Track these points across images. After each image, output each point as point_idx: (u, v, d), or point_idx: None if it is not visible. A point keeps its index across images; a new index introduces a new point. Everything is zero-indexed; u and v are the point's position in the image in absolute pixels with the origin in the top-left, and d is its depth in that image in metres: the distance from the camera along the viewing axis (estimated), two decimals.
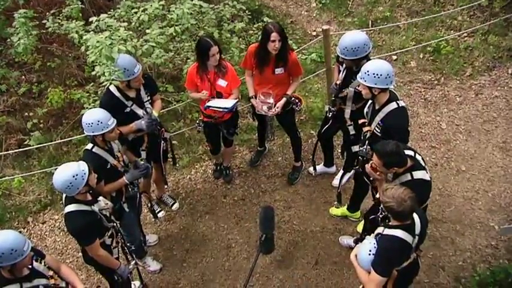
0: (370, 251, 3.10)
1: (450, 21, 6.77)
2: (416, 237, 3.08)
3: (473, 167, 5.20)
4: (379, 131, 3.73)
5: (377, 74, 3.51)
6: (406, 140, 3.76)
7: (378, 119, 3.72)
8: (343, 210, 4.80)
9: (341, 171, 4.89)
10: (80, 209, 3.39)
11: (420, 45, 6.47)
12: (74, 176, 3.28)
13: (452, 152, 5.38)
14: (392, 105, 3.65)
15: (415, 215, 3.08)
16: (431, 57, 6.46)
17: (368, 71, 3.53)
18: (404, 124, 3.71)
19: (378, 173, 3.36)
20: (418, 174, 3.32)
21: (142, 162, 4.12)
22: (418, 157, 3.43)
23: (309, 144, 5.56)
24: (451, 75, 6.25)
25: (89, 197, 3.49)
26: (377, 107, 3.72)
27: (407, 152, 3.36)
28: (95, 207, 3.47)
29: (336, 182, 5.05)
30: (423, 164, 3.41)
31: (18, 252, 2.91)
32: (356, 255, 3.21)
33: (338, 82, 4.32)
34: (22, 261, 2.95)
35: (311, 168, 5.17)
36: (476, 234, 4.61)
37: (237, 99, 4.56)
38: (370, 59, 4.06)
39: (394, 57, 6.50)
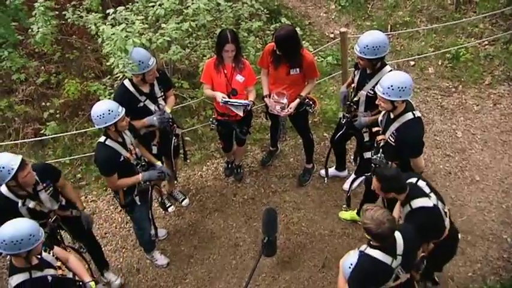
0: (351, 264, 3.08)
1: (471, 29, 6.66)
2: (399, 257, 3.02)
3: (487, 178, 5.11)
4: (393, 140, 3.69)
5: (402, 88, 3.47)
6: (420, 151, 3.72)
7: (392, 128, 3.68)
8: (352, 214, 4.76)
9: (352, 176, 4.85)
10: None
11: (439, 51, 6.39)
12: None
13: (467, 161, 5.29)
14: (408, 116, 3.61)
15: (397, 234, 3.03)
16: (450, 64, 6.38)
17: (392, 86, 3.47)
18: (419, 135, 3.67)
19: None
20: (417, 203, 3.27)
21: (159, 165, 4.18)
22: (422, 183, 3.36)
23: (321, 147, 5.54)
24: (469, 83, 6.16)
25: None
26: (392, 116, 3.68)
27: (410, 179, 3.34)
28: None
29: (346, 186, 5.01)
30: (426, 191, 3.33)
31: (35, 238, 2.98)
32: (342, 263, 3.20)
33: (353, 85, 4.28)
34: (36, 247, 3.00)
35: (322, 171, 5.14)
36: (488, 245, 4.53)
37: (252, 102, 4.55)
38: (386, 63, 4.03)
39: (412, 62, 6.43)
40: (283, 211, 4.93)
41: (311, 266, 4.51)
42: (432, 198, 3.33)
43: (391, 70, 3.96)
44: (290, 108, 4.51)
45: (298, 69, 4.43)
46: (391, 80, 3.51)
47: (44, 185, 3.61)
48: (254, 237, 4.75)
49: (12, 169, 3.32)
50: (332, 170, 5.16)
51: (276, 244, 3.51)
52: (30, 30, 4.88)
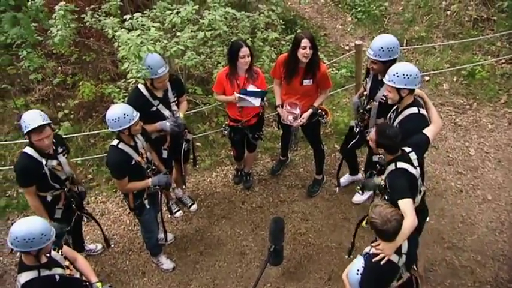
0: (358, 270, 3.10)
1: (488, 46, 6.62)
2: (404, 256, 3.06)
3: (500, 197, 5.03)
4: None
5: (407, 75, 3.52)
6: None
7: (396, 121, 3.72)
8: None
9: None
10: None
11: (455, 68, 6.36)
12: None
13: (479, 180, 5.23)
14: (413, 110, 3.64)
15: None
16: (465, 81, 6.33)
17: (397, 73, 3.54)
18: (418, 128, 3.62)
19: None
20: (402, 165, 3.36)
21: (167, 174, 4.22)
22: (413, 156, 3.43)
23: (331, 158, 5.52)
24: (484, 101, 6.10)
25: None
26: (399, 110, 3.73)
27: (406, 148, 3.42)
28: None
29: (355, 198, 4.99)
30: (415, 163, 3.42)
31: (47, 237, 3.00)
32: (347, 274, 3.21)
33: (365, 93, 4.29)
34: (47, 246, 3.03)
35: (341, 179, 5.05)
36: (499, 267, 4.44)
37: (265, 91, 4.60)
38: None
39: (427, 78, 6.40)
40: (291, 221, 4.91)
41: (317, 278, 4.47)
42: (416, 170, 3.42)
43: None
44: (302, 119, 4.51)
45: (311, 80, 4.44)
46: (397, 68, 3.59)
47: (61, 149, 3.92)
48: (261, 246, 4.73)
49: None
50: (346, 176, 5.14)
51: (282, 253, 3.50)
52: (49, 31, 4.97)
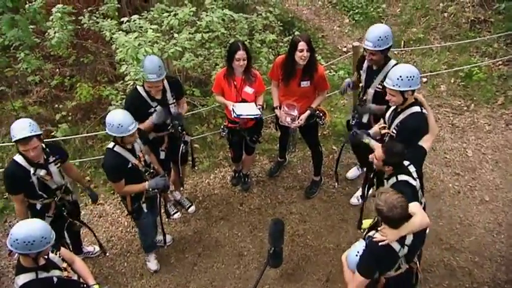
0: (358, 252, 3.14)
1: (485, 48, 6.65)
2: (406, 247, 3.07)
3: (497, 198, 5.05)
4: (395, 132, 3.73)
5: (410, 77, 3.53)
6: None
7: (397, 121, 3.73)
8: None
9: (359, 192, 4.82)
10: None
11: (452, 69, 6.38)
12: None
13: (476, 181, 5.24)
14: (415, 108, 3.66)
15: None
16: (463, 83, 6.35)
17: (401, 76, 3.54)
18: (420, 127, 3.64)
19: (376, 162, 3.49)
20: (403, 177, 3.39)
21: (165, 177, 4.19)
22: (412, 168, 3.46)
23: (329, 160, 5.52)
24: (481, 103, 6.12)
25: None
26: (399, 110, 3.73)
27: (405, 161, 3.46)
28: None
29: (353, 200, 5.00)
30: (414, 175, 3.45)
31: (47, 240, 3.01)
32: (346, 256, 3.26)
33: (361, 84, 4.31)
34: (46, 249, 3.03)
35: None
36: (496, 268, 4.45)
37: (261, 107, 4.58)
38: (390, 58, 4.10)
39: (424, 79, 6.41)
40: (289, 223, 4.91)
41: (315, 280, 4.47)
42: (416, 182, 3.45)
43: (396, 64, 4.02)
44: (300, 120, 4.52)
45: (308, 82, 4.45)
46: (399, 71, 3.59)
47: (54, 158, 3.84)
48: (259, 247, 4.73)
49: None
50: (354, 170, 5.20)
51: (282, 255, 3.49)
52: (47, 33, 4.97)
